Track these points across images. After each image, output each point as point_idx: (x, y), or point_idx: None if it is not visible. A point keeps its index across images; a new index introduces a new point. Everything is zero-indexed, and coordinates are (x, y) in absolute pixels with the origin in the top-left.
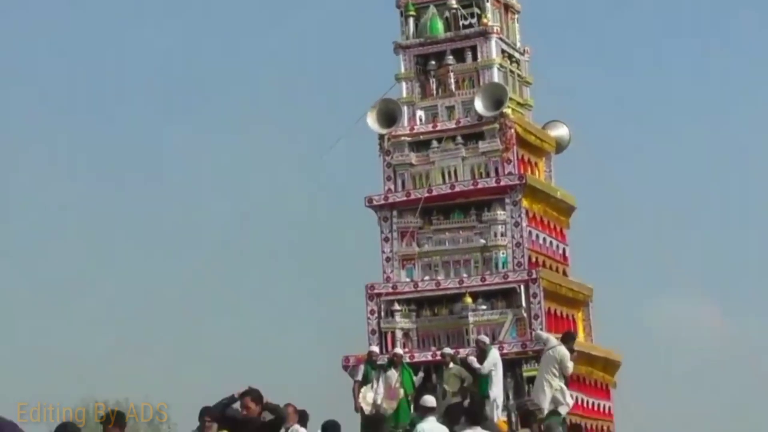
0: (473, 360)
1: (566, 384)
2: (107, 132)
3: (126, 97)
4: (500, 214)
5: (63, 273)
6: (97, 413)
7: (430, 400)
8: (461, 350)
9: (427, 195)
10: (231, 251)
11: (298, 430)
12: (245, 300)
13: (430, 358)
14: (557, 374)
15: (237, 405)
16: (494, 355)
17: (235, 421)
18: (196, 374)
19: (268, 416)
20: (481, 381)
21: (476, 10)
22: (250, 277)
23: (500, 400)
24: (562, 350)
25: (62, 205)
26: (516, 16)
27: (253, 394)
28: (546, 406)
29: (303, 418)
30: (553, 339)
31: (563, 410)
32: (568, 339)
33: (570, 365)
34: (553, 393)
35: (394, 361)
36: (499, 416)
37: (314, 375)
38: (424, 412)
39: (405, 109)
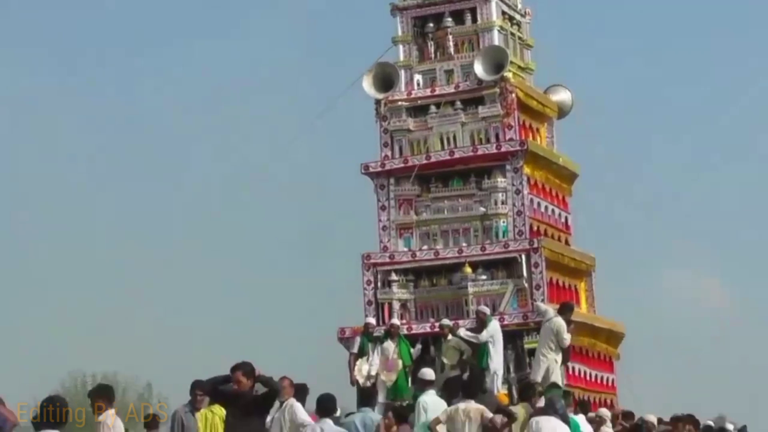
0: (466, 333)
1: (566, 357)
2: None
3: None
4: (501, 181)
5: (48, 242)
6: (85, 387)
7: (429, 373)
8: (460, 322)
9: (425, 162)
10: (222, 220)
11: (293, 404)
12: (237, 271)
13: (428, 329)
14: (553, 347)
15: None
16: (494, 326)
17: (227, 394)
18: (186, 347)
19: (261, 389)
20: (481, 353)
21: None
22: (242, 246)
23: (500, 373)
24: (558, 321)
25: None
26: None
27: (244, 367)
28: (539, 379)
29: (302, 393)
30: (551, 310)
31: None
32: (565, 310)
33: (567, 337)
34: (547, 365)
35: (391, 333)
36: (499, 389)
37: (308, 347)
38: (423, 385)
39: (402, 73)
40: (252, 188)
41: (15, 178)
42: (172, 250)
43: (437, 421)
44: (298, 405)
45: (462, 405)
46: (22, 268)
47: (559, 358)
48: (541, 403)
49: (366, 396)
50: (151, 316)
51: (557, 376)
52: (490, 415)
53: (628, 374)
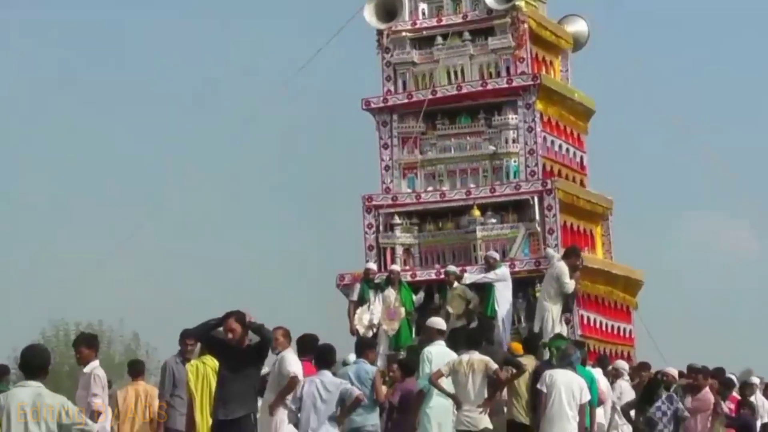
0: (468, 277)
1: (569, 306)
2: None
3: None
4: (512, 118)
5: (24, 180)
6: (68, 337)
7: (439, 322)
8: (468, 268)
9: (430, 97)
10: (213, 162)
11: (284, 356)
12: (231, 213)
13: (433, 276)
14: (553, 293)
15: (221, 328)
16: (503, 272)
17: (219, 344)
18: (176, 295)
19: (255, 340)
20: (488, 302)
21: None
22: (235, 189)
23: (508, 322)
24: (560, 266)
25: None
26: None
27: (236, 315)
28: (537, 329)
29: (306, 346)
30: (556, 255)
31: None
32: (569, 254)
33: (568, 283)
34: (545, 314)
35: (391, 279)
36: (507, 339)
37: (306, 294)
38: (432, 335)
39: (406, 1)
40: (245, 127)
41: None
42: (163, 192)
43: (439, 374)
44: (289, 356)
45: (465, 356)
46: None
47: (559, 306)
48: (547, 356)
49: (363, 347)
50: (139, 261)
51: (558, 326)
52: (495, 366)
53: (647, 325)
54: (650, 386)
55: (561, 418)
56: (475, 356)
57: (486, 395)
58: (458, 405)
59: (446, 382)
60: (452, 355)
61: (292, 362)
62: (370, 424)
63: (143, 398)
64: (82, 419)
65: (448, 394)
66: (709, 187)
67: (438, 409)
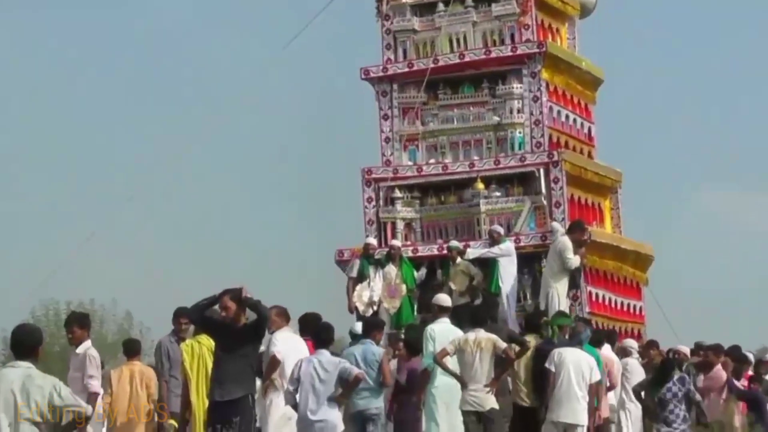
0: (471, 252)
1: (574, 282)
2: None
3: None
4: (516, 87)
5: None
6: (58, 316)
7: (444, 299)
8: (471, 243)
9: (432, 66)
10: (209, 133)
11: (274, 336)
12: (225, 186)
13: (435, 252)
14: (557, 269)
15: (216, 307)
16: (508, 246)
17: (214, 323)
18: (170, 272)
19: (252, 318)
20: (492, 278)
21: None
22: (231, 161)
23: (513, 298)
24: (564, 241)
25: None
26: None
27: (232, 292)
28: (542, 307)
29: (308, 325)
30: (561, 230)
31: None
32: (573, 228)
33: (571, 258)
34: (549, 291)
35: (392, 255)
36: (512, 316)
37: (304, 271)
38: (438, 312)
39: None
40: (241, 97)
41: None
42: (156, 164)
43: (444, 352)
44: (279, 335)
45: (471, 335)
46: None
47: (565, 282)
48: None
49: (371, 327)
50: (132, 237)
51: (565, 303)
52: (503, 345)
53: (659, 301)
54: (664, 367)
55: (570, 399)
56: (482, 334)
57: (493, 375)
58: (463, 385)
59: (451, 362)
60: (457, 333)
61: (278, 342)
62: (374, 407)
63: (138, 379)
64: (75, 401)
65: (453, 374)
66: (724, 159)
67: (444, 389)
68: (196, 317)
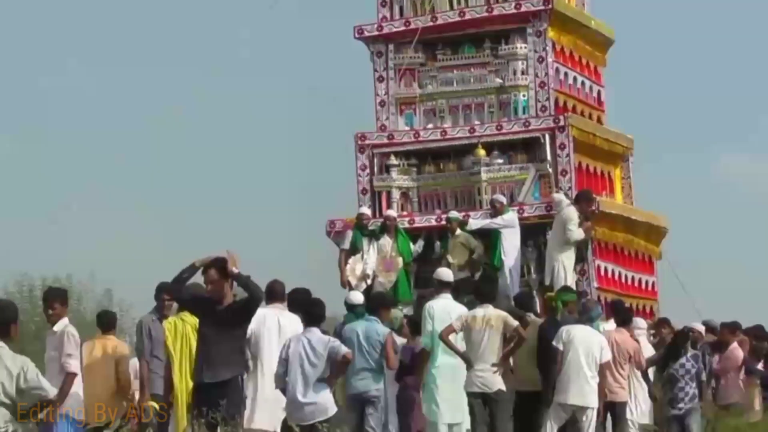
0: (472, 223)
1: (581, 255)
2: None
3: None
4: (521, 47)
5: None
6: (32, 293)
7: (446, 273)
8: (471, 214)
9: (430, 24)
10: (193, 98)
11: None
12: (210, 152)
13: (433, 223)
14: (562, 242)
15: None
16: (511, 217)
17: (200, 300)
18: (152, 244)
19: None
20: (494, 251)
21: None
22: (217, 126)
23: (516, 272)
24: (568, 211)
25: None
26: None
27: (218, 264)
28: (548, 282)
29: (298, 302)
30: (565, 200)
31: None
32: (579, 199)
33: (573, 230)
34: (553, 265)
35: (387, 226)
36: (515, 291)
37: (293, 242)
38: (439, 288)
39: None
40: (227, 59)
41: None
42: (139, 130)
43: (450, 329)
44: (260, 311)
45: (480, 311)
46: None
47: (571, 255)
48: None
49: (378, 303)
50: (111, 208)
51: (571, 278)
52: (514, 323)
53: (675, 270)
54: (676, 341)
55: (579, 378)
56: (491, 311)
57: (501, 354)
58: (469, 364)
59: (457, 339)
60: (458, 310)
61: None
62: (374, 389)
63: (111, 354)
64: (39, 383)
65: (458, 353)
66: (743, 123)
67: (445, 369)
68: (178, 295)
